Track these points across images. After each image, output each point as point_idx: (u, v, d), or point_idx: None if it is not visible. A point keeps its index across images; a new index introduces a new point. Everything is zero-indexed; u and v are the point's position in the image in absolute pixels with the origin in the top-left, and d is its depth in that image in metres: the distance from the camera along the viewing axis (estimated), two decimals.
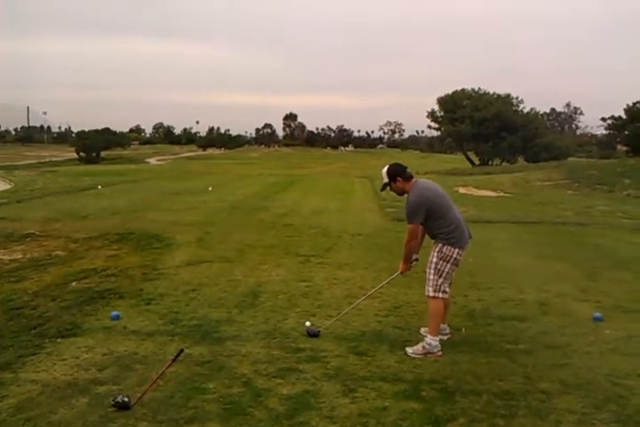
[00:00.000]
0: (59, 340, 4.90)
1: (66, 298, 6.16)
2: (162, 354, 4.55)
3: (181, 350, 4.43)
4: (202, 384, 4.01)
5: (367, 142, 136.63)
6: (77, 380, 4.08)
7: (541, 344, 4.90)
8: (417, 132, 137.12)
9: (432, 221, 4.75)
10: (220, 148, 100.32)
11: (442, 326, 4.94)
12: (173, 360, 4.28)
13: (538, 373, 4.29)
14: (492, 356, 4.62)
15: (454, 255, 4.72)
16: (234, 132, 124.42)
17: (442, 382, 4.11)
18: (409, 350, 4.69)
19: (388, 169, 4.92)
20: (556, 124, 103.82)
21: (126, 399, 3.63)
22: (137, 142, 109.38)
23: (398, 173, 4.87)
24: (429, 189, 4.84)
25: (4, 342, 4.85)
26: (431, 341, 4.66)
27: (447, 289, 4.81)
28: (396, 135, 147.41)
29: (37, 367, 4.31)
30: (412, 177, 4.89)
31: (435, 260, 4.74)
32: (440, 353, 4.64)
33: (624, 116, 44.59)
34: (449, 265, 4.73)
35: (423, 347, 4.66)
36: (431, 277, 4.75)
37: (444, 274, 4.73)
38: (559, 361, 4.53)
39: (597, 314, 5.62)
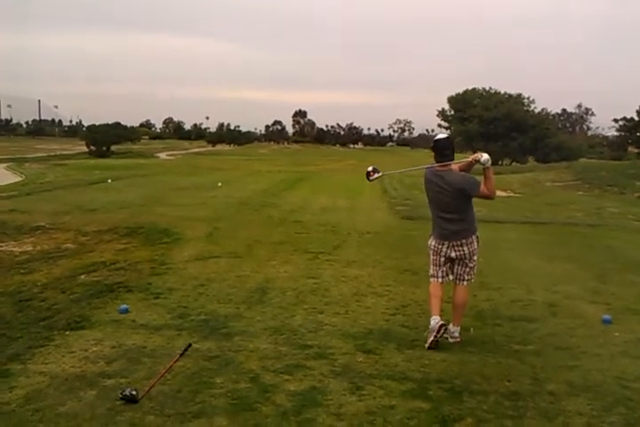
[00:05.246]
0: (67, 332, 4.93)
1: (75, 291, 6.19)
2: (170, 348, 4.56)
3: (189, 345, 4.44)
4: (209, 379, 4.02)
5: (377, 140, 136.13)
6: (86, 372, 4.10)
7: (550, 346, 4.87)
8: (427, 130, 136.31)
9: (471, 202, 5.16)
10: (230, 144, 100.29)
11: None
12: (181, 355, 4.28)
13: (546, 374, 4.26)
14: (501, 356, 4.60)
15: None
16: (243, 129, 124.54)
17: (449, 381, 4.09)
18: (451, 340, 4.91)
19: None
20: (567, 124, 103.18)
21: (134, 393, 3.64)
22: (147, 137, 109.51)
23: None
24: None
25: (13, 333, 4.88)
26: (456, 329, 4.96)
27: None
28: (406, 133, 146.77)
29: (46, 359, 4.33)
30: None
31: (475, 251, 4.99)
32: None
33: (636, 118, 44.29)
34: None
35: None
36: (473, 264, 5.02)
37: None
38: (568, 363, 4.50)
39: (607, 316, 5.57)
